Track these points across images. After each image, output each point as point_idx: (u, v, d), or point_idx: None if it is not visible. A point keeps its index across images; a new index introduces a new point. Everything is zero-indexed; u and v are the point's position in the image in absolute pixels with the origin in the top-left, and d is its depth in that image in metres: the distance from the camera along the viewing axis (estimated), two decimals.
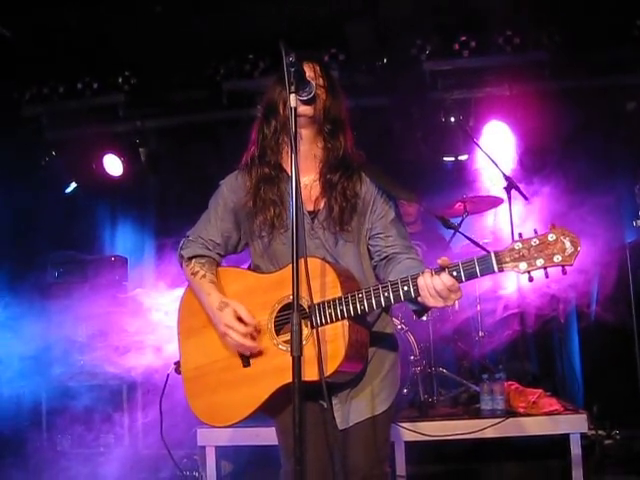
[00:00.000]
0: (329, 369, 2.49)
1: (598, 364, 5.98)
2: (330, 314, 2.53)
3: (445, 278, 2.34)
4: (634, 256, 5.59)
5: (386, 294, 2.48)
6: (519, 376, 5.79)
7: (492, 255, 2.29)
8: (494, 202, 6.12)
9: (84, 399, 5.98)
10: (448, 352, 6.17)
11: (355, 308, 2.50)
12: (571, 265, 2.21)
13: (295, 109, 2.41)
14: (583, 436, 4.94)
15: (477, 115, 7.08)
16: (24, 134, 7.66)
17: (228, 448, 5.25)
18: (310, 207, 2.79)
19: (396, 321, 5.42)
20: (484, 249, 2.38)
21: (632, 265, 5.62)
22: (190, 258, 2.86)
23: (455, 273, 2.34)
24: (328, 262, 2.62)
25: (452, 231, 6.16)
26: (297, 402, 2.24)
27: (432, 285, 2.35)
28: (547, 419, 4.98)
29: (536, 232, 2.26)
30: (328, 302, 2.54)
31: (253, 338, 2.65)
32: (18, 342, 6.00)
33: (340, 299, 2.52)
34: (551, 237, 2.22)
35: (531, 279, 2.28)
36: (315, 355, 2.44)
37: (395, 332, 2.97)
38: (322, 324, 2.54)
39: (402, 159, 6.73)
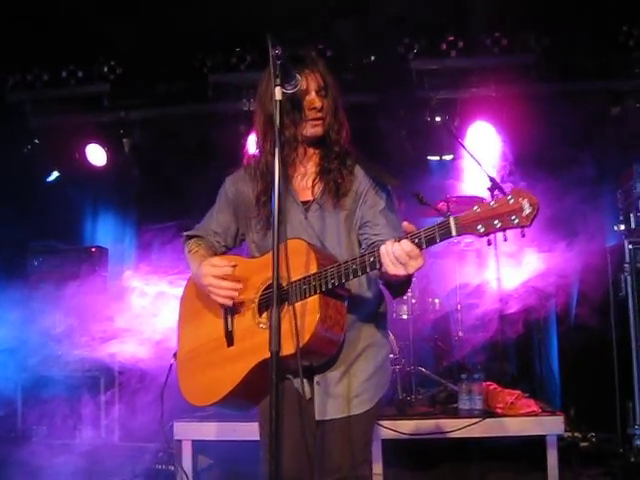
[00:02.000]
0: (302, 339, 2.48)
1: (576, 367, 6.00)
2: (305, 290, 2.56)
3: (404, 244, 2.32)
4: (614, 260, 5.62)
5: (354, 266, 2.49)
6: (498, 377, 5.81)
7: (451, 219, 2.27)
8: (476, 202, 6.11)
9: (60, 389, 5.96)
10: (427, 351, 6.19)
11: (326, 282, 2.52)
12: (528, 226, 2.16)
13: (280, 102, 2.40)
14: (560, 438, 4.97)
15: (463, 115, 7.10)
16: (7, 121, 7.58)
17: (205, 442, 5.23)
18: (305, 197, 2.84)
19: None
20: (442, 215, 2.36)
21: (612, 269, 5.65)
22: (190, 237, 3.01)
23: (417, 240, 2.32)
24: (306, 241, 2.66)
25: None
26: (274, 399, 2.23)
27: (391, 251, 2.33)
28: (524, 420, 5.00)
29: (496, 195, 2.22)
30: (305, 278, 2.57)
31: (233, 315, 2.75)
32: None
33: (315, 275, 2.55)
34: (510, 199, 2.17)
35: (489, 243, 2.33)
36: (290, 330, 2.45)
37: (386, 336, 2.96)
38: (298, 300, 2.56)
39: (387, 157, 6.72)
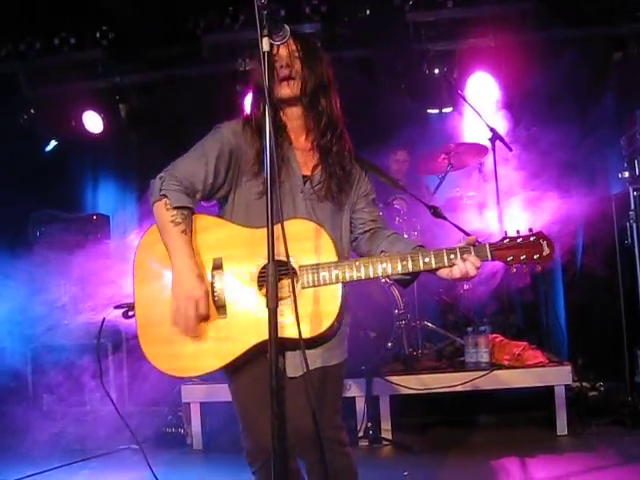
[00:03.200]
0: (317, 330, 2.57)
1: (583, 316, 5.99)
2: (324, 276, 2.59)
3: (474, 260, 2.61)
4: (619, 208, 5.56)
5: (384, 265, 2.61)
6: (504, 329, 5.82)
7: (487, 246, 2.63)
8: (479, 151, 6.06)
9: (68, 357, 5.96)
10: (433, 305, 6.17)
11: (351, 275, 2.60)
12: (547, 264, 2.67)
13: (268, 53, 2.33)
14: (567, 388, 4.98)
15: (461, 67, 6.99)
16: (2, 92, 7.52)
17: (213, 404, 5.26)
18: (306, 172, 2.83)
19: None
20: (479, 242, 2.69)
21: (617, 217, 5.59)
22: (175, 207, 2.65)
23: (453, 256, 2.60)
24: (321, 225, 2.66)
25: (437, 182, 6.20)
26: (273, 355, 2.21)
27: (466, 270, 2.60)
28: (532, 371, 5.02)
29: (518, 232, 2.66)
30: (322, 264, 2.59)
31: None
32: (1, 301, 5.96)
33: (336, 264, 2.60)
34: (533, 239, 2.65)
35: (514, 270, 2.66)
36: (305, 314, 2.51)
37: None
38: (314, 285, 2.59)
39: (386, 111, 6.65)
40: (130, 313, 2.77)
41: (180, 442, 5.40)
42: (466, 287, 5.99)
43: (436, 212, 3.67)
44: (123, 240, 7.05)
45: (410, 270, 2.62)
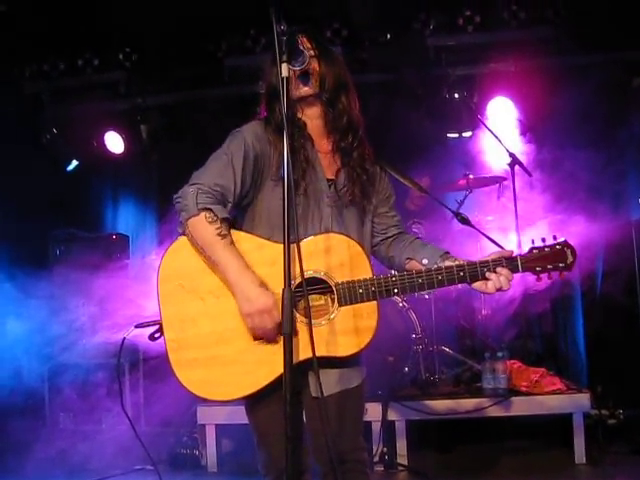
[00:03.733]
0: (354, 348, 2.57)
1: (602, 343, 5.94)
2: (361, 294, 2.58)
3: (507, 274, 2.64)
4: (639, 233, 5.53)
5: (420, 280, 2.62)
6: (522, 355, 5.77)
7: (519, 259, 2.66)
8: (497, 179, 6.07)
9: (86, 377, 5.98)
10: (450, 330, 6.13)
11: (388, 291, 2.61)
12: (570, 272, 2.68)
13: (287, 79, 2.35)
14: (586, 415, 4.93)
15: (481, 91, 6.98)
16: (25, 111, 7.61)
17: (228, 426, 5.25)
18: (330, 175, 2.79)
19: (398, 299, 5.39)
20: (499, 246, 2.89)
21: (637, 242, 5.56)
22: (221, 219, 2.55)
23: (486, 269, 2.63)
24: (356, 240, 2.66)
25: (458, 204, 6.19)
26: (287, 379, 2.20)
27: (500, 284, 2.63)
28: (550, 398, 4.98)
29: (544, 241, 2.68)
30: (359, 281, 2.58)
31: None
32: (20, 320, 5.99)
33: (373, 280, 2.59)
34: (558, 247, 2.67)
35: (539, 279, 2.69)
36: (338, 332, 2.55)
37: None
38: (350, 302, 2.58)
39: (406, 135, 6.66)
40: (157, 335, 2.69)
41: (195, 463, 5.38)
42: (484, 313, 5.96)
43: (463, 219, 3.69)
44: (142, 260, 7.09)
45: (446, 284, 2.64)
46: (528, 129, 6.69)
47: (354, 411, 2.78)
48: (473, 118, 6.76)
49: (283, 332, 2.25)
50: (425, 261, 2.73)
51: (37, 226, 6.94)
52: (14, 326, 6.06)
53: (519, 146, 6.32)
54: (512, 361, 5.40)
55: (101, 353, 6.01)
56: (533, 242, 2.71)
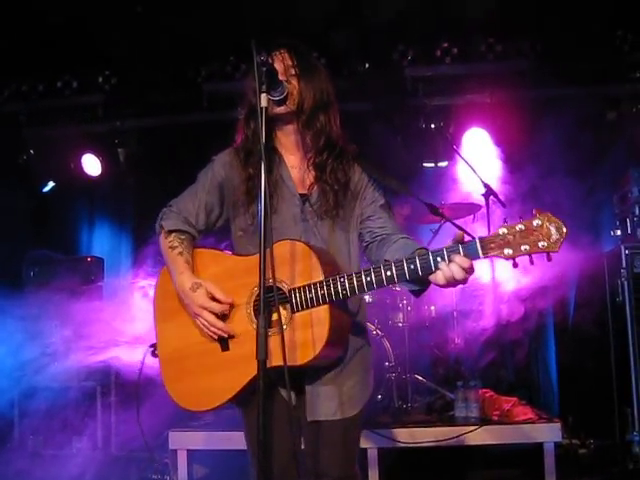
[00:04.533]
0: (309, 355, 2.48)
1: (574, 373, 5.98)
2: (311, 298, 2.50)
3: (461, 260, 2.28)
4: (611, 265, 5.59)
5: (368, 279, 2.44)
6: (494, 384, 5.80)
7: (477, 241, 2.27)
8: (472, 208, 6.12)
9: (57, 400, 5.92)
10: (423, 358, 6.15)
11: (337, 292, 2.47)
12: (556, 252, 2.19)
13: (265, 109, 2.38)
14: (557, 445, 4.94)
15: (457, 122, 7.07)
16: (2, 131, 7.58)
17: (200, 452, 5.21)
18: (302, 190, 2.80)
19: (371, 326, 5.41)
20: (470, 235, 2.36)
21: (609, 274, 5.62)
22: (171, 231, 2.80)
23: (439, 258, 2.31)
24: (305, 243, 2.60)
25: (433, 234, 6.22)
26: (261, 404, 2.21)
27: (451, 274, 2.29)
28: (521, 427, 4.98)
29: (521, 218, 2.23)
30: (309, 286, 2.51)
31: (224, 318, 2.65)
32: None
33: (322, 283, 2.49)
34: (536, 223, 2.19)
35: (515, 265, 2.26)
36: (294, 340, 2.46)
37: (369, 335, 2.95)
38: (303, 308, 2.52)
39: (382, 164, 6.69)
40: (156, 352, 2.87)
41: None
42: (457, 341, 5.99)
43: (435, 211, 3.47)
44: (117, 283, 7.06)
45: (396, 281, 2.41)
46: (502, 160, 6.77)
47: (350, 440, 2.78)
48: (449, 148, 6.83)
49: (258, 358, 2.26)
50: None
51: (11, 247, 6.89)
52: None
53: (494, 177, 6.38)
54: (484, 390, 5.42)
55: (73, 376, 5.97)
56: (505, 221, 2.27)
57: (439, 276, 2.32)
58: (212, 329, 2.64)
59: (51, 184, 7.95)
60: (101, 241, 8.08)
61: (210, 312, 2.62)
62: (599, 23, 6.46)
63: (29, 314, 6.11)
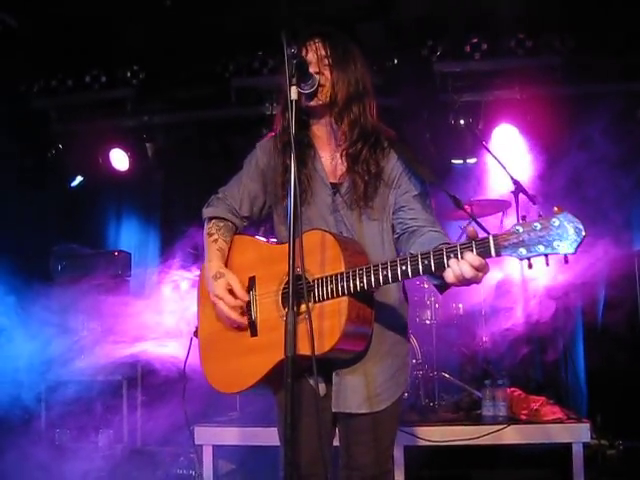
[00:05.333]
0: (326, 346, 2.47)
1: (603, 373, 5.91)
2: (331, 289, 2.48)
3: (471, 259, 2.20)
4: None
5: (385, 272, 2.40)
6: (522, 383, 5.74)
7: (490, 238, 2.18)
8: (501, 205, 6.06)
9: (84, 394, 5.95)
10: (451, 356, 6.11)
11: (355, 285, 2.44)
12: (573, 254, 2.05)
13: (295, 102, 2.36)
14: (586, 445, 4.88)
15: (487, 118, 7.01)
16: (32, 127, 7.64)
17: (226, 447, 5.21)
18: (334, 180, 2.78)
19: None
20: (486, 231, 2.28)
21: (639, 273, 5.55)
22: (210, 218, 2.88)
23: (452, 255, 2.24)
24: (332, 234, 2.58)
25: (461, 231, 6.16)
26: (289, 402, 2.19)
27: (460, 272, 2.21)
28: (549, 427, 4.93)
29: (540, 215, 2.11)
30: (330, 277, 2.49)
31: (242, 313, 2.69)
32: (20, 335, 5.98)
33: (342, 274, 2.47)
34: (554, 222, 2.06)
35: (530, 266, 2.16)
36: (316, 329, 2.42)
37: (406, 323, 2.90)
38: (324, 299, 2.51)
39: (417, 153, 6.66)
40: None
41: None
42: (485, 339, 5.95)
43: (458, 203, 3.40)
44: (144, 277, 7.09)
45: (410, 276, 2.35)
46: (533, 157, 6.70)
47: (383, 435, 2.75)
48: (478, 145, 6.77)
49: (286, 354, 2.24)
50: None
51: (39, 241, 6.95)
52: (14, 341, 6.04)
53: (524, 174, 6.32)
54: (512, 389, 5.37)
55: (100, 370, 5.99)
56: (524, 218, 2.15)
57: (449, 273, 2.25)
58: (227, 319, 2.71)
59: (79, 179, 8.00)
60: (129, 236, 8.13)
61: (225, 303, 2.67)
62: (631, 19, 6.36)
63: (56, 307, 6.15)
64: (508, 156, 6.47)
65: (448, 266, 2.24)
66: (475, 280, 2.23)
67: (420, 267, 2.31)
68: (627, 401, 5.49)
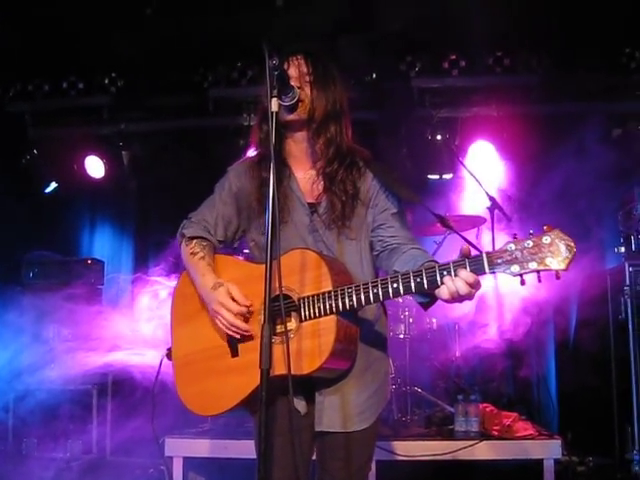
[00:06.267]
0: (314, 365, 2.46)
1: (574, 390, 5.95)
2: (319, 308, 2.48)
3: (466, 276, 2.23)
4: (614, 282, 5.57)
5: (375, 290, 2.42)
6: (495, 399, 5.76)
7: (484, 256, 2.23)
8: (476, 221, 6.09)
9: (53, 403, 5.88)
10: (424, 371, 6.12)
11: (344, 303, 2.45)
12: (565, 271, 2.12)
13: (276, 114, 2.35)
14: (557, 462, 4.91)
15: (463, 134, 7.06)
16: (6, 131, 7.55)
17: (196, 459, 5.17)
18: (311, 199, 2.78)
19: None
20: (477, 249, 2.33)
21: (611, 291, 5.60)
22: (192, 238, 2.84)
23: (445, 272, 2.28)
24: (318, 253, 2.59)
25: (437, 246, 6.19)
26: (263, 416, 2.17)
27: (455, 289, 2.25)
28: (521, 443, 4.95)
29: (531, 234, 2.17)
30: (318, 295, 2.50)
31: (245, 320, 2.63)
32: None
33: (330, 293, 2.48)
34: (546, 239, 2.13)
35: (523, 282, 2.21)
36: (301, 349, 2.44)
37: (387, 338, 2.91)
38: (311, 318, 2.50)
39: (393, 171, 6.67)
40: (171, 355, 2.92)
41: None
42: (458, 354, 5.96)
43: (444, 222, 3.40)
44: (117, 286, 7.03)
45: (402, 294, 2.38)
46: (509, 174, 6.76)
47: (360, 454, 2.73)
48: (454, 160, 6.81)
49: (261, 367, 2.22)
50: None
51: (11, 247, 6.86)
52: None
53: (499, 190, 6.36)
54: (485, 404, 5.39)
55: (70, 379, 5.93)
56: (515, 236, 2.21)
57: (443, 291, 2.28)
58: (232, 328, 2.62)
59: (54, 185, 7.92)
60: (102, 244, 8.06)
61: (228, 310, 2.61)
62: (607, 40, 6.45)
63: (27, 315, 6.08)
64: (484, 172, 6.51)
65: (442, 283, 2.27)
66: (468, 297, 2.27)
67: (412, 285, 2.34)
68: (598, 418, 5.53)
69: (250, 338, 2.62)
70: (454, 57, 6.94)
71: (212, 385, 2.69)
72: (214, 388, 2.69)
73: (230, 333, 2.64)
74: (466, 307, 5.99)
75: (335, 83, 2.77)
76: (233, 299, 2.62)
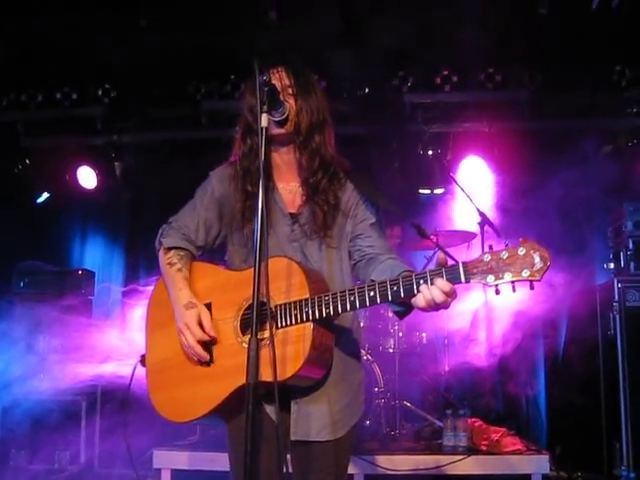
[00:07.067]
0: (289, 372, 2.45)
1: (563, 405, 5.96)
2: (295, 315, 2.48)
3: (442, 284, 2.27)
4: (603, 298, 5.60)
5: (352, 298, 2.43)
6: (483, 413, 5.76)
7: (460, 265, 2.27)
8: (466, 236, 6.13)
9: (41, 415, 5.86)
10: (413, 385, 6.12)
11: (320, 311, 2.45)
12: (539, 281, 2.17)
13: (265, 129, 2.36)
14: (545, 477, 4.92)
15: (455, 150, 7.10)
16: None
17: (184, 472, 5.15)
18: (292, 210, 2.78)
19: (362, 351, 5.37)
20: (453, 259, 2.35)
21: (601, 307, 5.62)
22: (170, 248, 2.81)
23: (422, 281, 2.30)
24: (297, 262, 2.58)
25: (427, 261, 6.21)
26: (249, 429, 2.17)
27: (431, 297, 2.28)
28: (509, 458, 4.96)
29: (507, 245, 2.22)
30: (294, 303, 2.49)
31: (204, 347, 2.62)
32: None
33: (307, 301, 2.48)
34: (521, 251, 2.18)
35: (497, 292, 2.25)
36: (277, 356, 2.39)
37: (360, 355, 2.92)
38: (287, 325, 2.50)
39: (375, 182, 6.69)
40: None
41: None
42: (447, 369, 5.97)
43: (420, 231, 3.41)
44: (107, 297, 7.02)
45: (378, 302, 2.38)
46: (499, 189, 6.79)
47: (335, 462, 2.72)
48: (445, 176, 6.84)
49: (248, 380, 2.23)
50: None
51: (2, 256, 6.85)
52: None
53: (490, 206, 6.39)
54: (473, 419, 5.39)
55: (59, 391, 5.91)
56: (491, 247, 2.26)
57: (419, 299, 2.31)
58: (189, 350, 2.63)
59: (46, 195, 7.92)
60: (93, 254, 8.06)
61: (191, 334, 2.60)
62: (598, 58, 6.50)
63: (16, 324, 6.06)
64: (475, 188, 6.54)
65: (418, 291, 2.30)
66: (444, 305, 2.30)
67: (389, 293, 2.36)
68: (586, 434, 5.54)
69: (223, 346, 2.62)
70: (446, 73, 6.97)
71: (185, 392, 2.68)
72: (187, 395, 2.67)
73: (188, 354, 2.66)
74: (461, 321, 6.02)
75: (316, 92, 2.78)
76: (201, 324, 2.62)
